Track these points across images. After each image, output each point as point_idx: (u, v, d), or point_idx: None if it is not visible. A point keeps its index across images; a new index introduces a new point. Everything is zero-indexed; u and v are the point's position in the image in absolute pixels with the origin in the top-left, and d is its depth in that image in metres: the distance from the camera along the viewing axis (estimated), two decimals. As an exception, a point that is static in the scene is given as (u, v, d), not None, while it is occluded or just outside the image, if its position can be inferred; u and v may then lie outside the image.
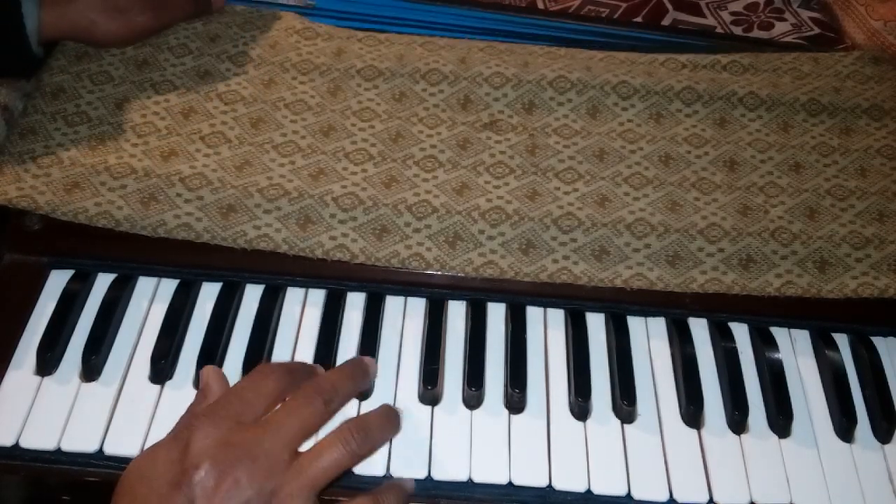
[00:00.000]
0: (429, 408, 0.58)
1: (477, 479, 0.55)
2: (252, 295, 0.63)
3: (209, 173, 0.66)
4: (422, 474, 0.55)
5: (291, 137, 0.70)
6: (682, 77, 0.77)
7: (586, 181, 0.69)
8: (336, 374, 0.54)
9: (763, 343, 0.63)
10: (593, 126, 0.73)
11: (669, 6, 0.89)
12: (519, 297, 0.64)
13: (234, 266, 0.63)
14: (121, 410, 0.57)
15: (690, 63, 0.79)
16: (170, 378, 0.58)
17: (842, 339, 0.64)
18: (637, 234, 0.66)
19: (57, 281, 0.62)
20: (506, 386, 0.59)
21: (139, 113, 0.70)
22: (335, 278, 0.63)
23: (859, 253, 0.66)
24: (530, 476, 0.55)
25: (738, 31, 0.87)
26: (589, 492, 0.55)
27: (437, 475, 0.55)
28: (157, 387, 0.58)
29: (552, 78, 0.75)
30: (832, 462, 0.58)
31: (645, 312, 0.64)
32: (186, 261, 0.63)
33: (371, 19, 0.81)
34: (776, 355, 0.62)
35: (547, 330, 0.63)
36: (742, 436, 0.58)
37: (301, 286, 0.64)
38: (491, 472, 0.56)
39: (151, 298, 0.62)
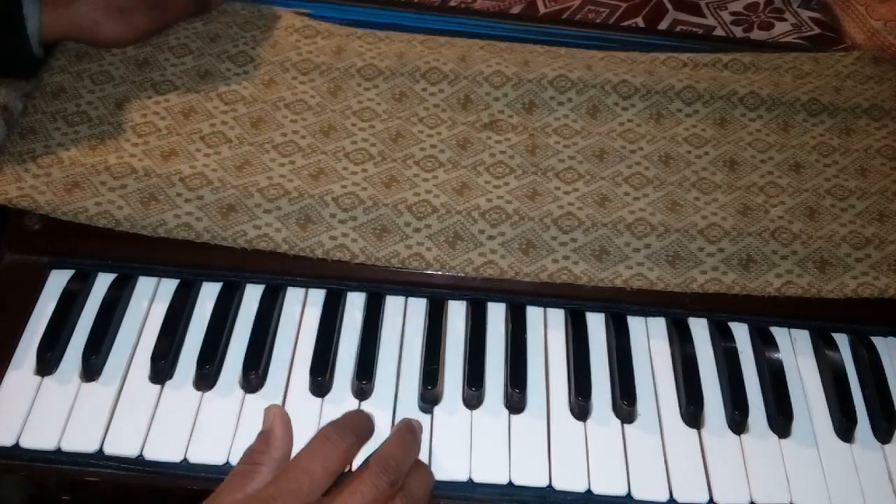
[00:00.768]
0: (429, 408, 0.58)
1: (477, 479, 0.55)
2: (252, 295, 0.63)
3: (209, 173, 0.66)
4: (422, 474, 0.55)
5: (291, 137, 0.70)
6: (683, 76, 0.77)
7: (586, 181, 0.69)
8: (397, 449, 0.53)
9: (763, 343, 0.63)
10: (593, 126, 0.73)
11: (669, 6, 0.89)
12: (519, 297, 0.64)
13: (234, 266, 0.63)
14: (121, 410, 0.56)
15: (691, 61, 0.79)
16: (170, 378, 0.58)
17: (842, 339, 0.64)
18: (637, 233, 0.66)
19: (57, 281, 0.62)
20: (506, 386, 0.59)
21: (139, 113, 0.70)
22: (335, 278, 0.63)
23: (859, 253, 0.66)
24: (530, 476, 0.55)
25: (738, 31, 0.87)
26: (589, 492, 0.55)
27: (438, 475, 0.55)
28: (158, 387, 0.58)
29: (553, 77, 0.75)
30: (832, 462, 0.58)
31: (645, 312, 0.64)
32: (186, 261, 0.63)
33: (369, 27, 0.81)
34: (776, 355, 0.62)
35: (547, 330, 0.63)
36: (742, 436, 0.58)
37: (301, 286, 0.64)
38: (491, 472, 0.56)
39: (151, 298, 0.62)
